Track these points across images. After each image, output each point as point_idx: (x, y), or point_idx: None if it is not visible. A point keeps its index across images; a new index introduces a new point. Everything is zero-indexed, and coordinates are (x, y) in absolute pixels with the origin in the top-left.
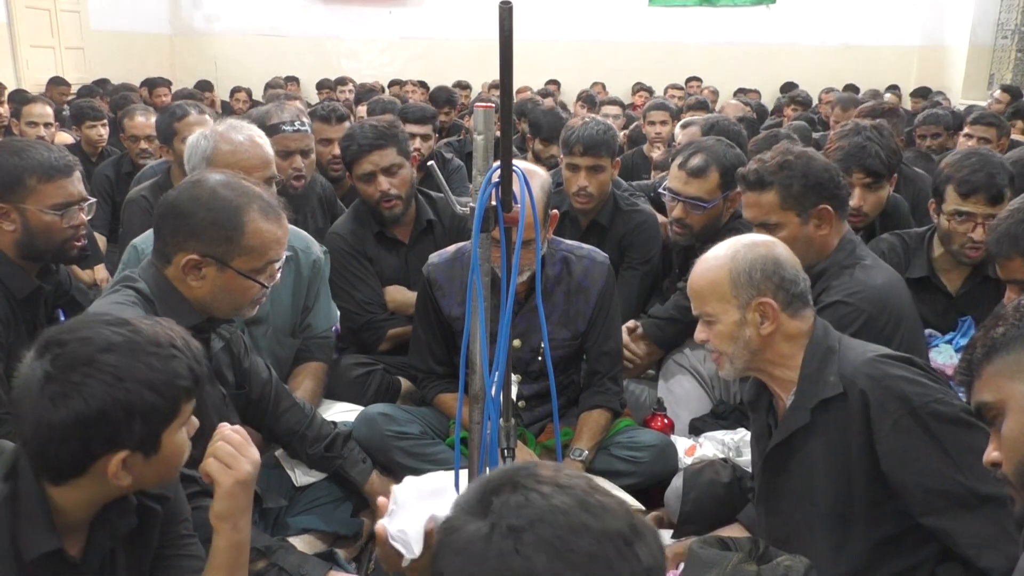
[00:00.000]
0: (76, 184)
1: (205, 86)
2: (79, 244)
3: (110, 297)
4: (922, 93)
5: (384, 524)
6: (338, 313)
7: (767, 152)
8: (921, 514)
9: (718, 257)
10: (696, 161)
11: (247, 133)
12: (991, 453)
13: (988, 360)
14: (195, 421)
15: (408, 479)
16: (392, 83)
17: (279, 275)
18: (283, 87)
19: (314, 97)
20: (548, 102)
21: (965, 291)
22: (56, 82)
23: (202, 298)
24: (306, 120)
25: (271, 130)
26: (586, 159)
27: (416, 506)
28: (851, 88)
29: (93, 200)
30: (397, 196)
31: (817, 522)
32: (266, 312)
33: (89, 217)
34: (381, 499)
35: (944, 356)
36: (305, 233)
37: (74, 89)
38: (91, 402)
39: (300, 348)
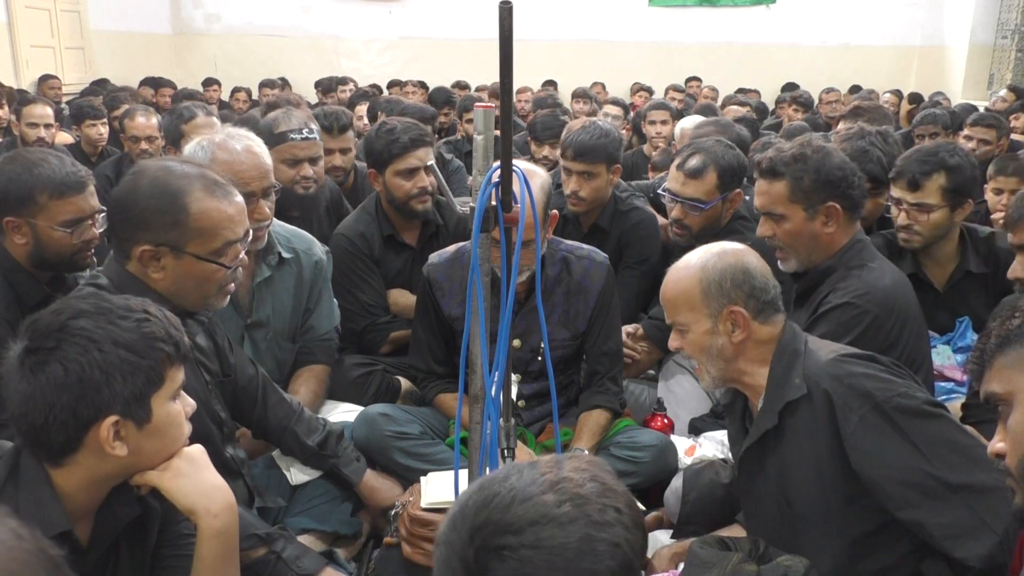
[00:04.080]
0: (88, 199)
1: (212, 80)
2: (89, 255)
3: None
4: (916, 99)
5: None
6: (338, 314)
7: (788, 141)
8: (895, 509)
9: (689, 267)
10: (694, 162)
11: (244, 143)
12: (996, 444)
13: (1001, 351)
14: (191, 400)
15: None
16: (391, 84)
17: (243, 255)
18: (279, 86)
19: (313, 97)
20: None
21: (951, 286)
22: (45, 79)
23: (167, 289)
24: (315, 127)
25: (279, 138)
26: (577, 164)
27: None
28: (853, 88)
29: (106, 211)
30: (431, 193)
31: (795, 522)
32: (267, 316)
33: (102, 229)
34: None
35: (942, 358)
36: (307, 233)
37: (75, 89)
38: (68, 365)
39: (301, 350)
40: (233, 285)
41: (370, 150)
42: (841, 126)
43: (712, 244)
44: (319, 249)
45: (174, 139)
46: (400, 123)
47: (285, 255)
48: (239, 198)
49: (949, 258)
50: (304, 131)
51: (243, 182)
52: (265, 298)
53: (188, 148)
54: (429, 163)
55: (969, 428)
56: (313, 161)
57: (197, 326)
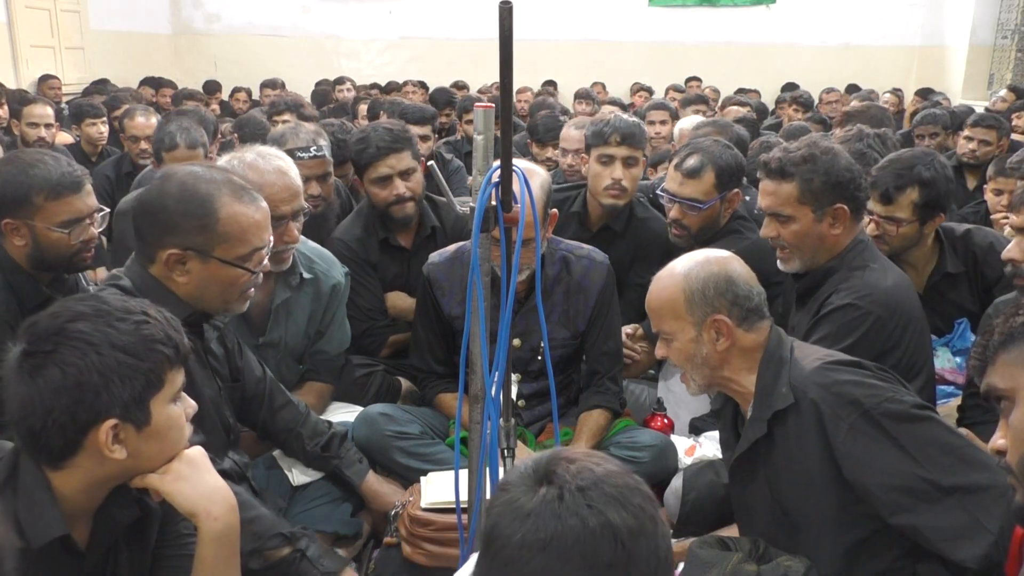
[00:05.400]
0: (85, 199)
1: (213, 87)
2: (88, 255)
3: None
4: (923, 93)
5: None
6: (350, 335)
7: (794, 141)
8: (889, 515)
9: (672, 275)
10: (691, 162)
11: (275, 164)
12: (997, 441)
13: (1004, 348)
14: (191, 402)
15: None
16: (390, 88)
17: (267, 261)
18: (280, 86)
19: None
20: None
21: (930, 287)
22: (45, 79)
23: (190, 293)
24: (323, 143)
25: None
26: (623, 149)
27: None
28: (852, 88)
29: (106, 211)
30: (410, 198)
31: (790, 529)
32: (279, 336)
33: (101, 229)
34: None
35: (942, 360)
36: (330, 254)
37: (75, 89)
38: (66, 369)
39: (306, 368)
40: (254, 290)
41: (351, 158)
42: (838, 132)
43: (696, 252)
44: (339, 272)
45: (158, 158)
46: (376, 129)
47: (305, 276)
48: (264, 204)
49: (925, 261)
50: (312, 149)
51: (273, 205)
52: (281, 320)
53: (220, 164)
54: (403, 168)
55: (964, 430)
56: (322, 179)
57: (212, 331)
